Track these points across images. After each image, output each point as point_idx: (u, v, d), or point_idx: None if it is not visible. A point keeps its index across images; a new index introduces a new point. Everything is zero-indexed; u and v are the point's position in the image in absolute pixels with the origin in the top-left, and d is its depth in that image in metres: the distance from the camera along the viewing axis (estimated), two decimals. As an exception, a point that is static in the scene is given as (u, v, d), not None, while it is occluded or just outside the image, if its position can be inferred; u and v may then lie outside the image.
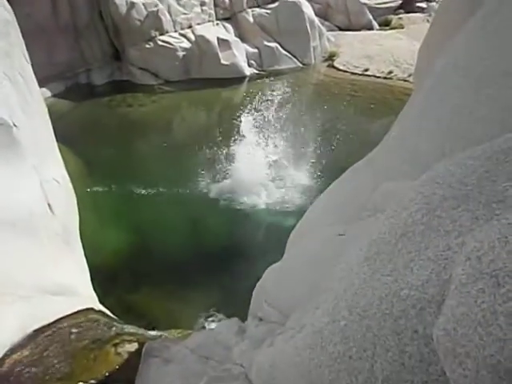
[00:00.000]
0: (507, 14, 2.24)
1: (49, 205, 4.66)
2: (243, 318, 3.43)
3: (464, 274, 0.71)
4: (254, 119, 11.46)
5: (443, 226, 0.94)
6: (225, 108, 15.15)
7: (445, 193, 1.01)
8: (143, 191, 9.67)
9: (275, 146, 10.82)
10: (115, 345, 3.35)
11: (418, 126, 2.45)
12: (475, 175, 0.99)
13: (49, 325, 3.30)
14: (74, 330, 3.40)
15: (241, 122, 11.35)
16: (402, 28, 20.43)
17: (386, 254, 1.06)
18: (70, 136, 10.79)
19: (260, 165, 10.23)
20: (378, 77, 16.33)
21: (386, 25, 21.19)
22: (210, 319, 6.38)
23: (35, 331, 3.17)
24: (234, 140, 10.99)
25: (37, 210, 4.38)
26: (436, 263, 0.87)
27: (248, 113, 11.72)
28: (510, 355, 0.60)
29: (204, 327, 6.11)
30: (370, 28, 20.85)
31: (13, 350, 2.92)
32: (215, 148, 11.10)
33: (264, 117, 11.62)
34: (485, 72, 2.07)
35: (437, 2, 21.88)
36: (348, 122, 12.80)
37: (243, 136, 10.89)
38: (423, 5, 23.73)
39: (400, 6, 23.54)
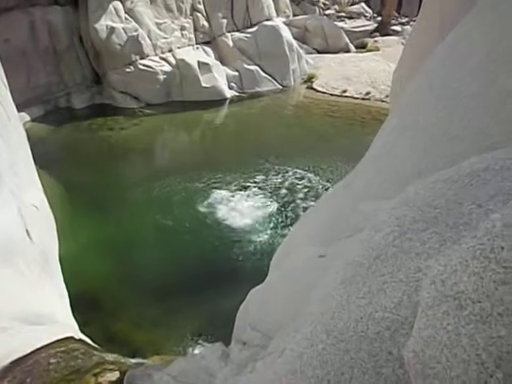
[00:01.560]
0: (476, 37, 2.35)
1: (27, 231, 4.58)
2: (228, 342, 3.39)
3: (429, 297, 0.73)
4: (235, 141, 11.55)
5: (414, 248, 0.97)
6: (206, 130, 15.26)
7: (415, 215, 1.04)
8: (124, 216, 9.57)
9: (254, 170, 10.92)
10: (96, 374, 3.27)
11: (393, 146, 2.51)
12: (444, 198, 1.03)
13: (26, 356, 3.21)
14: (52, 361, 3.30)
15: (223, 144, 11.43)
16: (378, 50, 21.03)
17: (361, 277, 1.08)
18: (49, 160, 10.68)
19: (241, 188, 10.28)
20: (357, 98, 16.68)
21: (362, 47, 21.79)
22: (194, 344, 6.28)
23: (12, 363, 3.08)
24: (216, 163, 11.05)
25: (14, 236, 4.31)
26: (407, 285, 0.89)
27: (229, 135, 11.82)
28: (473, 376, 0.63)
29: (188, 353, 6.00)
30: (347, 51, 21.40)
31: (-12, 384, 2.83)
32: (197, 172, 11.12)
33: (244, 139, 11.73)
34: (456, 93, 2.15)
35: (410, 26, 22.63)
36: (327, 142, 13.00)
37: (225, 159, 10.97)
38: (398, 28, 24.55)
39: (375, 30, 24.31)
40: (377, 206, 2.12)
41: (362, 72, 18.21)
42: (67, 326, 4.53)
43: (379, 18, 26.11)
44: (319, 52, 21.01)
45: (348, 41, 21.69)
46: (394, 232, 1.06)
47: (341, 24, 24.74)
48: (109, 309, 7.02)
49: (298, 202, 9.84)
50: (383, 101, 15.63)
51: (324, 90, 17.45)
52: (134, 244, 8.72)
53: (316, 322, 1.16)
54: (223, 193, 10.17)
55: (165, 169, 11.79)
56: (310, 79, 18.27)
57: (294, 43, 18.47)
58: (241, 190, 10.30)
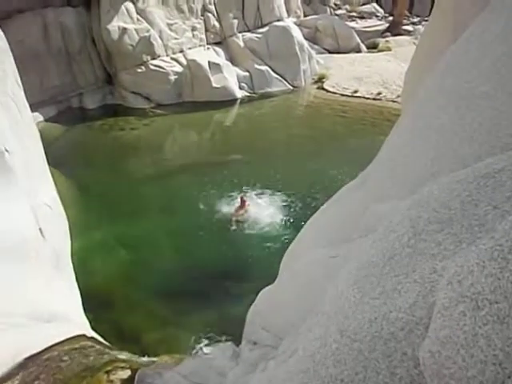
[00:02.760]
0: (489, 38, 2.33)
1: (40, 230, 4.64)
2: (238, 342, 3.40)
3: (446, 298, 0.73)
4: (246, 141, 11.57)
5: (428, 249, 0.97)
6: (216, 130, 15.31)
7: (430, 216, 1.04)
8: (135, 215, 9.64)
9: (265, 167, 10.92)
10: (107, 372, 3.30)
11: (406, 147, 2.50)
12: (459, 199, 1.03)
13: (40, 353, 3.25)
14: (65, 358, 3.34)
15: (234, 143, 11.46)
16: (390, 50, 20.91)
17: (375, 277, 1.08)
18: (61, 160, 10.82)
19: (252, 186, 10.30)
20: (368, 98, 16.61)
21: (373, 47, 21.68)
22: (205, 344, 6.30)
23: (26, 359, 3.12)
24: (227, 162, 11.08)
25: (28, 235, 4.36)
26: (422, 286, 0.89)
27: (241, 134, 11.85)
28: (490, 376, 0.63)
29: (198, 352, 6.02)
30: (359, 51, 21.32)
31: (3, 379, 2.87)
32: (208, 170, 11.17)
33: (254, 139, 11.74)
34: (469, 94, 2.14)
35: (422, 26, 22.47)
36: (338, 143, 12.97)
37: (237, 157, 10.98)
38: (409, 28, 24.39)
39: (387, 29, 24.17)
40: (389, 206, 2.11)
41: (374, 72, 18.12)
42: (79, 323, 4.57)
43: (391, 18, 25.97)
44: (330, 52, 20.96)
45: (359, 41, 21.60)
46: (409, 233, 1.06)
47: (352, 24, 24.66)
48: (120, 307, 7.08)
49: (307, 201, 9.82)
50: (395, 101, 15.54)
51: (335, 91, 17.41)
52: (146, 242, 8.77)
53: (329, 322, 1.16)
54: (233, 193, 10.19)
55: (175, 169, 11.85)
56: (320, 79, 18.23)
57: (305, 43, 18.45)
58: (251, 190, 10.31)
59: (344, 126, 14.44)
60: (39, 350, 3.27)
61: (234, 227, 9.12)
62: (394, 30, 23.85)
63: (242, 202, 9.28)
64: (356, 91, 17.08)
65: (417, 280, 0.92)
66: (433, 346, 0.74)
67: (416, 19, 26.15)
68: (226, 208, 9.71)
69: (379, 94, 16.66)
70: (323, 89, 17.72)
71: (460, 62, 2.49)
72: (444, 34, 3.53)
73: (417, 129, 2.51)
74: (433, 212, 1.04)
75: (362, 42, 21.72)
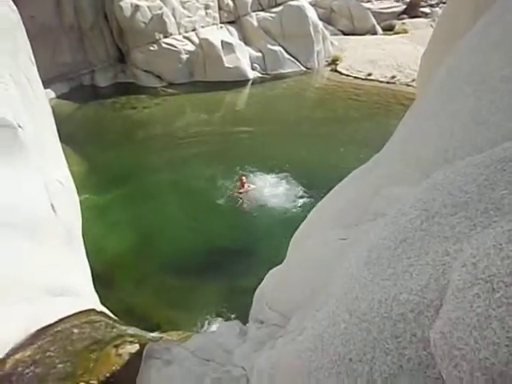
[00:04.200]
0: (510, 20, 2.26)
1: (52, 206, 4.69)
2: (245, 321, 3.44)
3: (460, 280, 0.73)
4: (257, 121, 11.50)
5: (442, 232, 0.96)
6: (228, 110, 15.22)
7: (444, 199, 1.03)
8: (146, 193, 9.71)
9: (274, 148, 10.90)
10: (116, 346, 3.37)
11: (420, 131, 2.47)
12: (475, 183, 1.01)
13: (51, 325, 3.32)
14: (75, 331, 3.41)
15: (246, 124, 11.39)
16: (406, 33, 20.50)
17: (386, 259, 1.08)
18: (73, 137, 10.86)
19: (262, 167, 10.31)
20: (382, 81, 16.37)
21: (389, 30, 21.27)
22: (212, 321, 6.39)
23: (38, 331, 3.19)
24: (238, 141, 11.06)
25: (40, 211, 4.41)
26: (434, 268, 0.89)
27: (252, 115, 11.79)
28: (503, 358, 0.63)
29: (205, 329, 6.12)
30: (374, 33, 20.93)
31: (15, 350, 2.94)
32: (219, 150, 11.16)
33: (267, 119, 11.66)
34: (487, 78, 2.09)
35: (440, 8, 21.93)
36: (351, 126, 12.84)
37: (249, 137, 10.95)
38: (427, 10, 23.83)
39: (404, 11, 23.63)
40: (401, 190, 2.10)
41: (388, 55, 17.81)
42: (89, 298, 4.66)
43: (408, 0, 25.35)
44: (345, 34, 20.61)
45: (375, 22, 21.19)
46: (422, 215, 1.05)
47: (368, 5, 24.08)
48: (129, 283, 7.20)
49: (317, 183, 9.80)
50: (409, 85, 15.30)
51: (348, 73, 17.17)
52: (156, 221, 8.85)
53: (338, 302, 1.17)
54: (244, 171, 10.21)
55: (187, 149, 11.85)
56: (334, 61, 17.97)
57: (320, 24, 18.14)
58: (261, 174, 10.30)
59: (357, 110, 14.28)
60: (51, 322, 3.35)
61: (238, 204, 9.31)
62: (412, 11, 23.33)
63: (241, 181, 9.47)
64: (370, 74, 16.83)
65: (429, 262, 0.92)
66: (444, 326, 0.74)
67: (434, 1, 25.49)
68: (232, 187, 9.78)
69: (393, 77, 16.40)
70: (337, 71, 17.50)
71: (480, 44, 2.43)
72: (464, 16, 3.44)
73: (432, 113, 2.47)
74: (448, 195, 1.03)
75: (378, 23, 21.30)
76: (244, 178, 9.64)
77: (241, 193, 9.41)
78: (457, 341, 0.69)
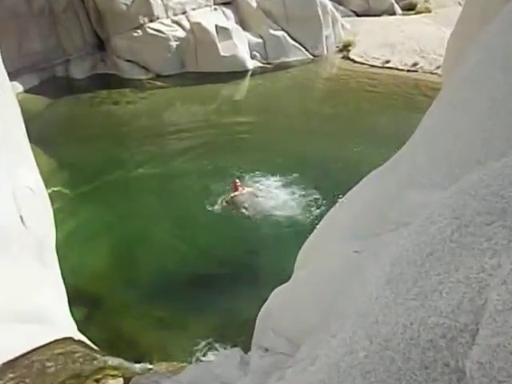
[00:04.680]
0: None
1: (21, 217, 4.69)
2: (246, 349, 3.43)
3: (500, 300, 0.72)
4: (258, 119, 11.54)
5: (476, 244, 0.96)
6: (225, 106, 15.24)
7: (478, 206, 1.02)
8: (128, 201, 9.71)
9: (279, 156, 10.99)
10: (97, 380, 3.36)
11: (446, 127, 2.46)
12: (513, 186, 1.01)
13: (21, 357, 3.31)
14: (49, 364, 3.40)
15: (245, 124, 11.42)
16: (429, 12, 20.54)
17: (411, 276, 1.07)
18: (45, 137, 10.89)
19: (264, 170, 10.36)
20: (401, 69, 16.42)
21: (410, 9, 21.30)
22: (207, 350, 6.37)
23: (4, 365, 3.18)
24: (230, 145, 11.11)
25: (7, 222, 4.42)
26: (469, 287, 0.88)
27: (252, 112, 11.84)
28: (552, 392, 0.62)
29: (200, 359, 6.09)
30: (392, 13, 20.97)
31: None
32: (214, 153, 11.20)
33: (269, 116, 11.68)
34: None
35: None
36: (365, 122, 12.87)
37: (241, 143, 11.02)
38: (453, -14, 23.90)
39: (426, -12, 23.72)
40: (425, 195, 2.10)
41: (409, 38, 17.85)
42: (65, 324, 4.65)
43: (431, -26, 25.49)
44: (358, 15, 20.66)
45: (393, 1, 21.25)
46: (452, 225, 1.05)
47: (385, -19, 24.23)
48: (111, 307, 7.17)
49: (324, 187, 9.82)
50: (434, 73, 15.34)
51: (362, 61, 17.22)
52: (140, 232, 8.85)
53: (356, 326, 1.16)
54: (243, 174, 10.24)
55: (175, 150, 11.88)
56: (346, 47, 18.03)
57: (329, 4, 18.21)
58: (261, 175, 10.33)
59: (372, 103, 14.31)
60: (20, 354, 3.33)
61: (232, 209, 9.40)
62: (435, -12, 23.40)
63: (234, 184, 9.62)
64: (387, 61, 16.88)
65: (461, 280, 0.91)
66: (483, 355, 0.73)
67: (461, -24, 25.61)
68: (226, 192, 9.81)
69: (415, 64, 16.44)
70: (349, 58, 17.55)
71: (514, 27, 2.43)
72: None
73: (460, 106, 2.46)
74: (482, 201, 1.03)
75: (397, 2, 21.35)
76: (238, 180, 9.66)
77: (233, 196, 9.45)
78: (497, 372, 0.68)
